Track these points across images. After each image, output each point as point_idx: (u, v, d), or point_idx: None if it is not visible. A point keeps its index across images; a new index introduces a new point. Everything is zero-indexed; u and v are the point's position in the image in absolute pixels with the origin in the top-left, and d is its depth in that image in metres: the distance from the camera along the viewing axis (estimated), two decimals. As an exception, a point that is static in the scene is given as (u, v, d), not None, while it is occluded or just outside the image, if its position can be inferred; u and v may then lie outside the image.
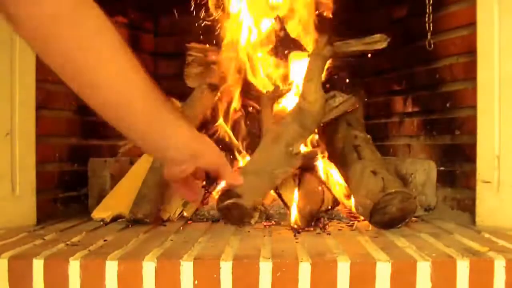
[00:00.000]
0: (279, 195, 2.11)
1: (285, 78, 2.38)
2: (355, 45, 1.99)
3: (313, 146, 2.28)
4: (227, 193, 1.85)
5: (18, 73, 1.88)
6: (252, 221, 1.91)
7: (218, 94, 2.36)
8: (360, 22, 2.80)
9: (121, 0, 2.58)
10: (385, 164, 2.05)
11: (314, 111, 1.95)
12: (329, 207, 2.02)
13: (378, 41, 1.97)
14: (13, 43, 1.86)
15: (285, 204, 2.05)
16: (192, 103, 2.22)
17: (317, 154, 2.19)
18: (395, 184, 1.85)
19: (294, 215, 1.91)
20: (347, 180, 2.06)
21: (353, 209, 2.02)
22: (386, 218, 1.83)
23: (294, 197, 1.96)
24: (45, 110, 2.06)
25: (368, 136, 2.13)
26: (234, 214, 1.87)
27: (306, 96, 1.97)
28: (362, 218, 2.03)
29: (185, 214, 2.08)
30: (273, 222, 1.99)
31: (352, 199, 2.00)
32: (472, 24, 1.92)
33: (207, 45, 2.45)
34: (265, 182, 1.92)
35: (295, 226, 1.86)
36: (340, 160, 2.10)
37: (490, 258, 1.43)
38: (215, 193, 2.13)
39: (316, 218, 1.91)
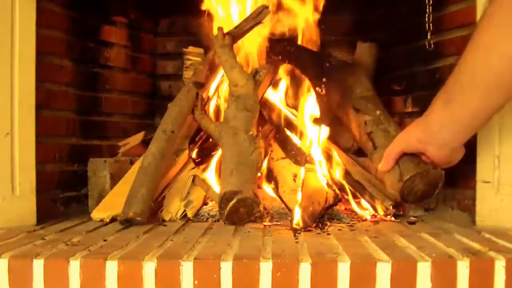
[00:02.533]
0: (280, 197, 2.11)
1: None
2: (245, 25, 2.20)
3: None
4: (224, 197, 1.87)
5: (18, 73, 1.87)
6: (261, 207, 1.95)
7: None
8: (360, 22, 2.81)
9: (121, 0, 2.59)
10: (397, 135, 2.03)
11: (249, 91, 2.09)
12: (331, 204, 2.02)
13: (261, 11, 2.19)
14: (13, 43, 1.86)
15: (286, 204, 2.05)
16: (179, 102, 2.25)
17: (271, 130, 2.31)
18: (409, 167, 1.82)
19: (296, 215, 1.91)
20: (371, 171, 2.15)
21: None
22: (419, 194, 1.84)
23: (296, 198, 1.97)
24: (45, 110, 2.06)
25: (372, 93, 2.12)
26: (242, 213, 1.89)
27: (236, 82, 2.10)
28: (362, 218, 2.06)
29: (188, 214, 2.08)
30: (273, 222, 1.99)
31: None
32: (472, 24, 1.92)
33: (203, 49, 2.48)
34: (250, 171, 1.97)
35: (297, 227, 1.86)
36: (360, 152, 2.15)
37: (490, 258, 1.43)
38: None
39: (319, 218, 1.91)
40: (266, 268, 1.39)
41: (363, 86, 2.17)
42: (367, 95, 2.14)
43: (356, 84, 2.17)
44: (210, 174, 2.26)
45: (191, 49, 2.47)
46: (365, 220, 2.03)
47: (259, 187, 2.18)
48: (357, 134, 2.08)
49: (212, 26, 2.43)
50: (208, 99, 2.38)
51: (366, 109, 2.08)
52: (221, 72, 2.37)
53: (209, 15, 2.44)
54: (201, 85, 2.29)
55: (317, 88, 2.32)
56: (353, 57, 2.32)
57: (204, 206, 2.13)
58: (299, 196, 1.96)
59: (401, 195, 1.85)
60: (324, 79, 2.25)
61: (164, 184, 2.18)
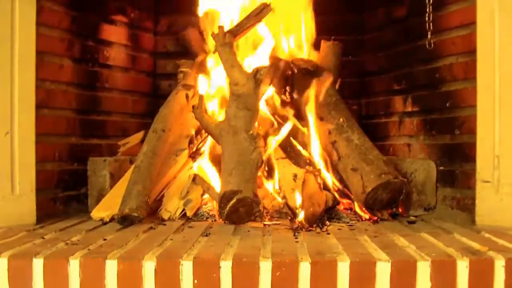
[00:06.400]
0: (284, 196, 2.11)
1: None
2: (247, 23, 2.19)
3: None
4: (224, 197, 1.87)
5: (18, 73, 1.87)
6: (261, 207, 1.96)
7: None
8: (361, 22, 2.80)
9: (121, -1, 2.59)
10: (359, 143, 2.09)
11: (250, 90, 2.08)
12: (330, 206, 2.03)
13: (263, 9, 2.18)
14: (13, 42, 1.86)
15: (288, 205, 2.06)
16: (169, 103, 2.30)
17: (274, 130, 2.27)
18: (370, 178, 1.96)
19: (297, 216, 1.92)
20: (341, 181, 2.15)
21: (357, 209, 2.09)
22: (385, 202, 1.97)
23: (297, 198, 1.98)
24: (44, 109, 2.06)
25: (336, 98, 2.16)
26: (242, 212, 1.89)
27: (236, 81, 2.08)
28: (363, 217, 2.06)
29: (187, 213, 2.08)
30: (273, 221, 1.99)
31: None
32: (472, 24, 1.92)
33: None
34: (250, 170, 1.98)
35: (299, 226, 1.86)
36: (329, 162, 2.18)
37: (490, 258, 1.43)
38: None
39: (319, 219, 1.91)
40: (265, 268, 1.39)
41: (325, 92, 2.22)
42: (330, 101, 2.20)
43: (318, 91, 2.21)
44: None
45: (183, 61, 2.56)
46: (365, 219, 2.04)
47: (259, 186, 2.18)
48: (323, 143, 2.15)
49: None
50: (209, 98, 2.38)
51: (329, 117, 2.15)
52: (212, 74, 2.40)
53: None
54: (189, 87, 2.35)
55: (282, 96, 2.33)
56: (315, 62, 2.29)
57: (204, 206, 2.13)
58: (299, 197, 1.97)
59: (365, 205, 1.98)
60: (288, 88, 2.27)
61: (164, 183, 2.18)
